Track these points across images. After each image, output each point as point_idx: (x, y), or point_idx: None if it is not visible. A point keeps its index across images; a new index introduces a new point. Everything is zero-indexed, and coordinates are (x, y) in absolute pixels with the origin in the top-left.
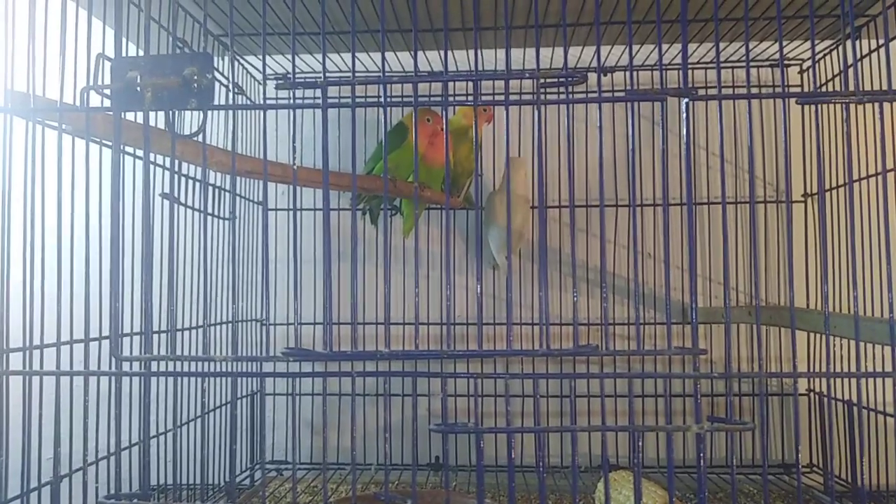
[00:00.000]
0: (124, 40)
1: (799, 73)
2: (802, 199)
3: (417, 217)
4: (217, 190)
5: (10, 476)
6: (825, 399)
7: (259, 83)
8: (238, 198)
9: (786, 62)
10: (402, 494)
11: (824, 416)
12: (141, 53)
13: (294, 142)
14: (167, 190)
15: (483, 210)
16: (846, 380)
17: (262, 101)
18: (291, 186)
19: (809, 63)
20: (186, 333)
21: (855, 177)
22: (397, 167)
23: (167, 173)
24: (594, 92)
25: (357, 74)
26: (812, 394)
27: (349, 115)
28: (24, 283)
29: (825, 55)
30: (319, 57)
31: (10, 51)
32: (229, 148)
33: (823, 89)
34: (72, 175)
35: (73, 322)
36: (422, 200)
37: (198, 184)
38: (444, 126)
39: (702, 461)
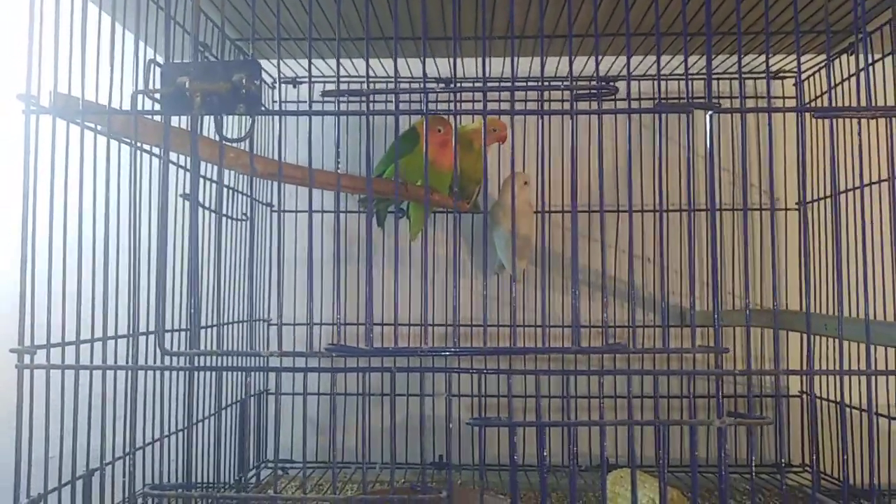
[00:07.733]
0: (147, 46)
1: (793, 85)
2: (796, 206)
3: (453, 218)
4: (233, 192)
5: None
6: (817, 400)
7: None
8: (252, 199)
9: (781, 75)
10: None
11: (815, 417)
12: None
13: (338, 146)
14: (202, 197)
15: (489, 217)
16: (833, 379)
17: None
18: (313, 189)
19: (803, 76)
20: (209, 331)
21: (842, 188)
22: (406, 171)
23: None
24: (622, 100)
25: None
26: (805, 395)
27: (356, 121)
28: (63, 280)
29: (820, 69)
30: (338, 62)
31: (56, 54)
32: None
33: (815, 103)
34: (110, 174)
35: (108, 318)
36: (430, 203)
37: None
38: (483, 136)
39: (724, 454)
